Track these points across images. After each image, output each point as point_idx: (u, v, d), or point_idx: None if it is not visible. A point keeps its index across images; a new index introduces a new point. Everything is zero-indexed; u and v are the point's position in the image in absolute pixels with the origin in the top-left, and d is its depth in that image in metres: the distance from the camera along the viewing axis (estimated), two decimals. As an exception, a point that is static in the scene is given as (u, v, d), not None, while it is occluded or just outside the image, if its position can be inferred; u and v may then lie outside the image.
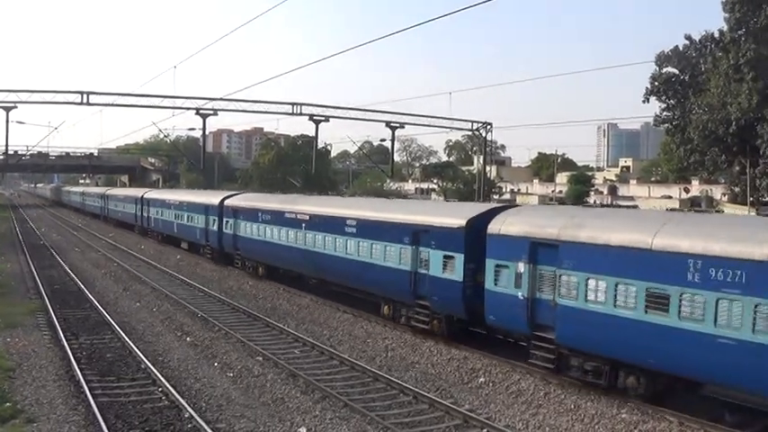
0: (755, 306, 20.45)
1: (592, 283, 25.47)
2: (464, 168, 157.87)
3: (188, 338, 34.09)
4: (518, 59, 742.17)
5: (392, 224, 37.07)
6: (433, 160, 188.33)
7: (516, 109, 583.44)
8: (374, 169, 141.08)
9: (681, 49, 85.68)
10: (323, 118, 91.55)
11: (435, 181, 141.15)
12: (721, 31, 79.61)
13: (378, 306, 38.73)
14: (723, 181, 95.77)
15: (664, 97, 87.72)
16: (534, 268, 27.89)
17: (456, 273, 32.27)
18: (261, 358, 30.52)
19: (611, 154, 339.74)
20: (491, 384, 27.42)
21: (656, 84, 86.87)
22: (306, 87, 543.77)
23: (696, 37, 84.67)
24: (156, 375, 26.71)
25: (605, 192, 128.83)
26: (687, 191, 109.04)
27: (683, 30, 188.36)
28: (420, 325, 34.95)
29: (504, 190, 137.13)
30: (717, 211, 33.26)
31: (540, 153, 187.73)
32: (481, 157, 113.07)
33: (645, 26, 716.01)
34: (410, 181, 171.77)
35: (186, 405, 23.20)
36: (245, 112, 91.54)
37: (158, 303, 42.94)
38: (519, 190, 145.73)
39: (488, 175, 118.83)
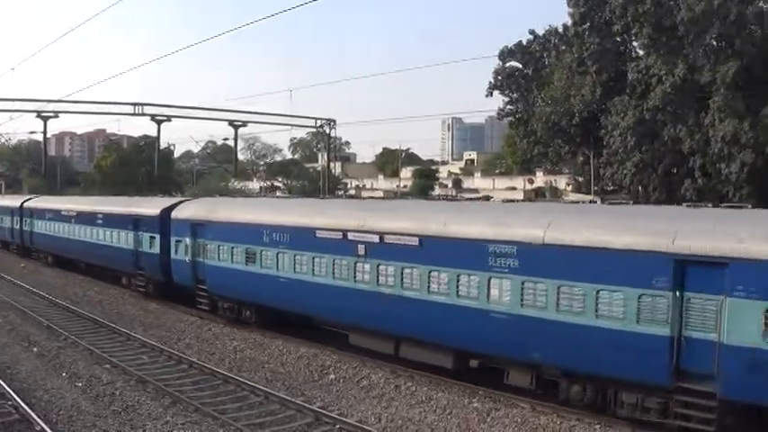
0: (294, 256, 32.52)
1: (221, 248, 37.82)
2: (309, 166, 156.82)
3: (35, 349, 32.71)
4: (362, 55, 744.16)
5: (122, 215, 48.95)
6: (279, 158, 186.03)
7: (361, 105, 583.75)
8: (218, 169, 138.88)
9: (525, 43, 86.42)
10: (165, 118, 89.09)
11: (280, 179, 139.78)
12: (565, 26, 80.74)
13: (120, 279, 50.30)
14: (567, 171, 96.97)
15: (507, 91, 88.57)
16: (194, 241, 39.87)
17: (155, 248, 44.06)
18: (109, 366, 29.70)
19: (456, 148, 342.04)
20: (342, 380, 27.79)
21: (500, 78, 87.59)
22: (149, 87, 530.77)
23: (540, 32, 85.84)
24: (4, 389, 25.04)
25: (450, 185, 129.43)
26: (531, 182, 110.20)
27: (528, 25, 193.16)
28: (141, 289, 46.58)
29: (348, 186, 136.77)
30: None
31: (384, 148, 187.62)
32: (326, 154, 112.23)
33: (489, 21, 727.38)
34: (255, 179, 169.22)
35: (37, 418, 21.97)
36: (87, 113, 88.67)
37: (3, 314, 40.75)
38: (364, 186, 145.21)
39: (333, 171, 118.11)
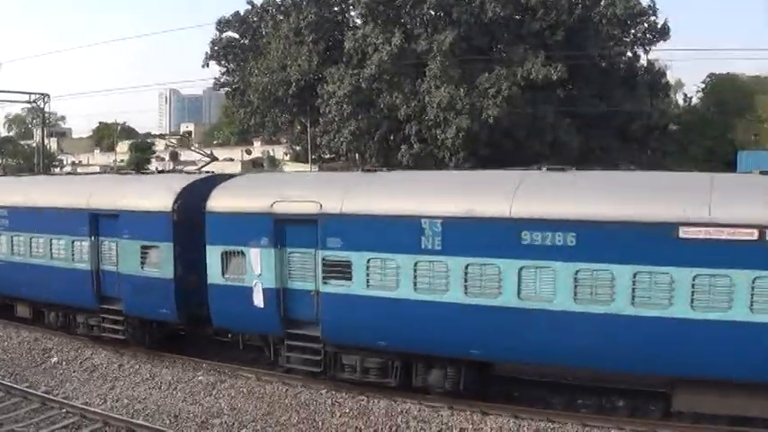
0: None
1: None
2: (24, 143, 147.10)
3: None
4: (73, 26, 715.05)
5: None
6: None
7: (77, 78, 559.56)
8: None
9: (242, 14, 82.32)
10: None
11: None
12: (284, -4, 76.91)
13: None
14: (285, 141, 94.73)
15: (224, 62, 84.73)
16: None
17: None
18: None
19: (173, 120, 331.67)
20: (65, 363, 26.83)
21: (216, 48, 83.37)
22: None
23: (258, 2, 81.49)
24: None
25: (167, 158, 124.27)
26: (249, 152, 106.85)
27: None
28: None
29: (65, 162, 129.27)
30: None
31: (100, 122, 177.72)
32: (40, 130, 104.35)
33: None
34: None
35: None
36: None
37: None
38: (80, 161, 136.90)
39: (49, 147, 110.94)
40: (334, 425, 20.15)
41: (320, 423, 20.28)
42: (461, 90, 59.00)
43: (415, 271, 19.93)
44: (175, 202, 24.58)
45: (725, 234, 17.22)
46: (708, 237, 17.34)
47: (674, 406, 18.98)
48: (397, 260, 20.13)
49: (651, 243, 17.78)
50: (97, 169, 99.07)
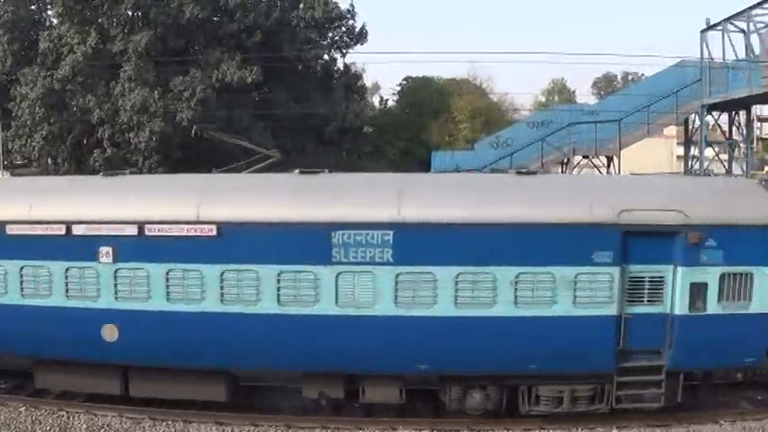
0: None
1: None
2: None
3: None
4: None
5: None
6: None
7: None
8: None
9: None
10: None
11: None
12: (-18, -5, 71.84)
13: None
14: None
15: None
16: None
17: None
18: None
19: None
20: None
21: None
22: None
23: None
24: None
25: None
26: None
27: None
28: None
29: None
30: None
31: None
32: None
33: None
34: None
35: None
36: None
37: None
38: None
39: None
40: (35, 443, 19.95)
41: (21, 442, 19.98)
42: (156, 93, 58.02)
43: None
44: None
45: (40, 230, 19.84)
46: (28, 233, 19.88)
47: (35, 383, 21.70)
48: None
49: None
50: None
